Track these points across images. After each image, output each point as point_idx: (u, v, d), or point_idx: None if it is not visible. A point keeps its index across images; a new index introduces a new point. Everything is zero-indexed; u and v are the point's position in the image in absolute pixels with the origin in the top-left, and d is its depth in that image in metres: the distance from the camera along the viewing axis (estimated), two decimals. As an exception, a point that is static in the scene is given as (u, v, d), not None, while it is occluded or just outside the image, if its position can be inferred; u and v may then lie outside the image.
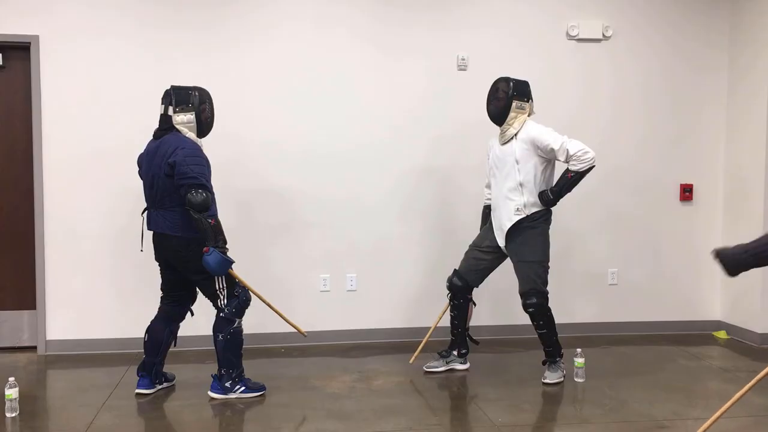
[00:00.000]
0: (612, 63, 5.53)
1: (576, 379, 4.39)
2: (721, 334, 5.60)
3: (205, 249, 3.77)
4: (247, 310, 4.30)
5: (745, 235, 5.38)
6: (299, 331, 4.50)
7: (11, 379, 3.76)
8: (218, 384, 4.05)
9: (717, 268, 3.01)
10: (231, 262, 3.86)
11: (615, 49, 5.52)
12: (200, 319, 4.36)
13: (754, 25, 5.38)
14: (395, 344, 5.23)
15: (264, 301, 4.23)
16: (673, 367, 4.79)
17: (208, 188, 3.81)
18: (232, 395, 4.05)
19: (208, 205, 3.77)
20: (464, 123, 5.26)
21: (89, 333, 5.03)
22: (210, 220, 3.80)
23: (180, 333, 4.27)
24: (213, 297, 4.01)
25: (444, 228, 5.36)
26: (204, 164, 3.88)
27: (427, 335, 4.75)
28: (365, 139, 5.22)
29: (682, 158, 5.65)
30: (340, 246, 5.28)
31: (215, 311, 4.03)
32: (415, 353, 4.71)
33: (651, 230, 5.64)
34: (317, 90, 5.19)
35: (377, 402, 4.04)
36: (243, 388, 4.08)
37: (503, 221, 4.31)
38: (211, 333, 4.01)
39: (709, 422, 3.26)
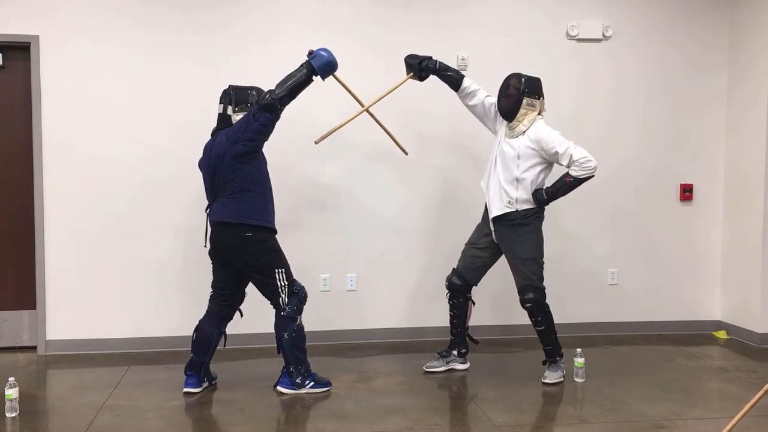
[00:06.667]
0: (612, 63, 5.53)
1: (576, 379, 4.39)
2: (721, 334, 5.60)
3: (309, 52, 3.95)
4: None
5: (745, 234, 5.43)
6: (403, 150, 4.60)
7: (11, 379, 3.76)
8: (288, 380, 4.14)
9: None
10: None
11: (615, 49, 5.52)
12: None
13: (754, 24, 5.37)
14: (395, 344, 5.23)
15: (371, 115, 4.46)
16: (673, 367, 4.79)
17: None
18: (303, 390, 4.14)
19: (274, 96, 3.88)
20: (464, 122, 5.24)
21: (89, 333, 5.02)
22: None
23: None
24: (274, 295, 4.07)
25: (444, 227, 5.34)
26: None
27: (342, 122, 4.51)
28: (365, 139, 5.21)
29: (682, 158, 5.65)
30: (340, 246, 5.28)
31: (274, 311, 4.10)
32: (324, 135, 4.38)
33: (651, 230, 5.64)
34: (317, 90, 5.18)
35: (377, 402, 4.04)
36: (312, 383, 4.18)
37: (493, 210, 4.33)
38: (274, 333, 4.10)
39: (731, 425, 3.24)
